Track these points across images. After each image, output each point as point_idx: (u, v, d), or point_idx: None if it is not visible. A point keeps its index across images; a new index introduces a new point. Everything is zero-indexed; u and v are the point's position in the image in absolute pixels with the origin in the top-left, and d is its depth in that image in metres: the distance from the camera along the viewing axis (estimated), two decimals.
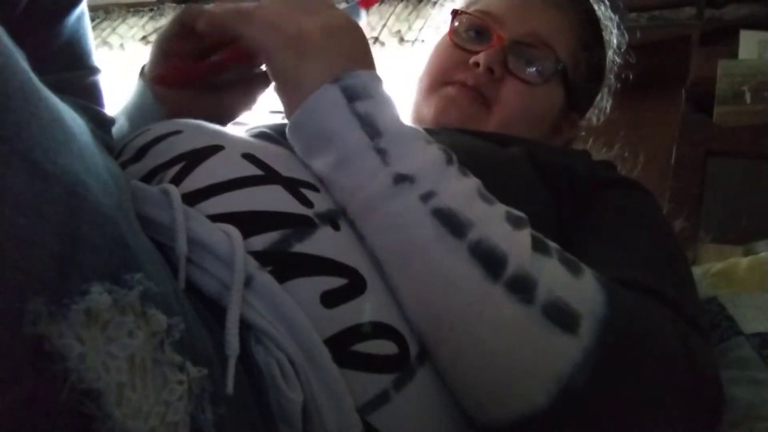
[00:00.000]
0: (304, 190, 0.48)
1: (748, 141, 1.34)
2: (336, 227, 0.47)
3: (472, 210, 0.46)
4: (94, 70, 0.67)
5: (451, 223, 0.45)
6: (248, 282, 0.41)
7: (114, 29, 2.53)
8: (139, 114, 0.64)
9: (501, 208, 0.48)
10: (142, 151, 0.52)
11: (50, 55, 0.61)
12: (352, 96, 0.48)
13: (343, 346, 0.42)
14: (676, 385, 0.45)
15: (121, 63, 2.31)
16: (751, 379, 0.63)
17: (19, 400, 0.29)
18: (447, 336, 0.44)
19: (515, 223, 0.47)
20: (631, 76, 0.91)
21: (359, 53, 0.51)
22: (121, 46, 2.49)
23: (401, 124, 0.49)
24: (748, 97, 1.33)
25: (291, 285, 0.42)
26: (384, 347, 0.44)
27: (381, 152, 0.47)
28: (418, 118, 0.80)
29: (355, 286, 0.44)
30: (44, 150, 0.32)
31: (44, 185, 0.31)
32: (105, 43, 2.47)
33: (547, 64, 0.77)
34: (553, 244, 0.48)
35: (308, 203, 0.47)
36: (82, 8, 0.63)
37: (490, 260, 0.44)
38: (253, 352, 0.40)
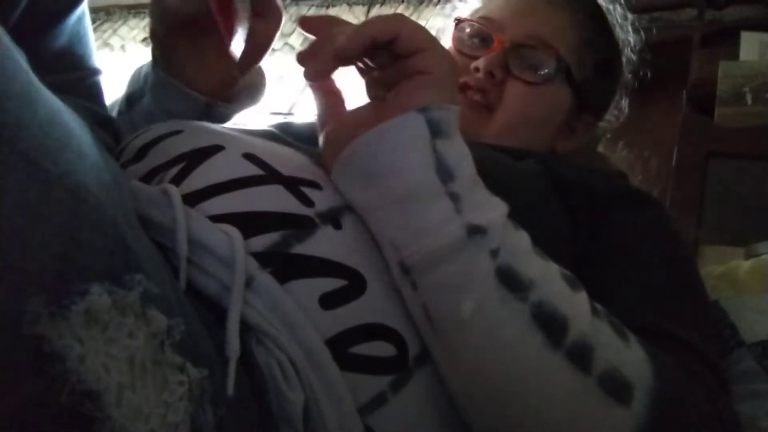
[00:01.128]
0: (305, 189, 0.47)
1: (749, 142, 1.34)
2: (337, 226, 0.46)
3: (532, 268, 0.44)
4: (94, 71, 0.67)
5: (513, 283, 0.42)
6: (249, 283, 0.41)
7: (115, 31, 2.53)
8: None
9: (554, 266, 0.46)
10: (142, 152, 0.52)
11: (51, 56, 0.61)
12: (436, 132, 0.44)
13: (340, 348, 0.42)
14: None
15: (122, 64, 2.31)
16: (753, 393, 0.63)
17: (19, 401, 0.29)
18: (500, 403, 0.44)
19: (571, 283, 0.46)
20: (649, 74, 0.90)
21: (452, 86, 0.48)
22: (122, 47, 2.48)
23: (473, 168, 0.46)
24: (749, 99, 1.33)
25: (290, 287, 0.42)
26: (381, 349, 0.43)
27: (454, 197, 0.43)
28: None
29: (354, 288, 0.44)
30: (45, 151, 0.32)
31: (45, 186, 0.31)
32: (106, 44, 2.47)
33: (548, 64, 0.77)
34: (599, 306, 0.47)
35: (309, 202, 0.47)
36: (83, 9, 0.63)
37: (551, 325, 0.42)
38: (254, 352, 0.40)
